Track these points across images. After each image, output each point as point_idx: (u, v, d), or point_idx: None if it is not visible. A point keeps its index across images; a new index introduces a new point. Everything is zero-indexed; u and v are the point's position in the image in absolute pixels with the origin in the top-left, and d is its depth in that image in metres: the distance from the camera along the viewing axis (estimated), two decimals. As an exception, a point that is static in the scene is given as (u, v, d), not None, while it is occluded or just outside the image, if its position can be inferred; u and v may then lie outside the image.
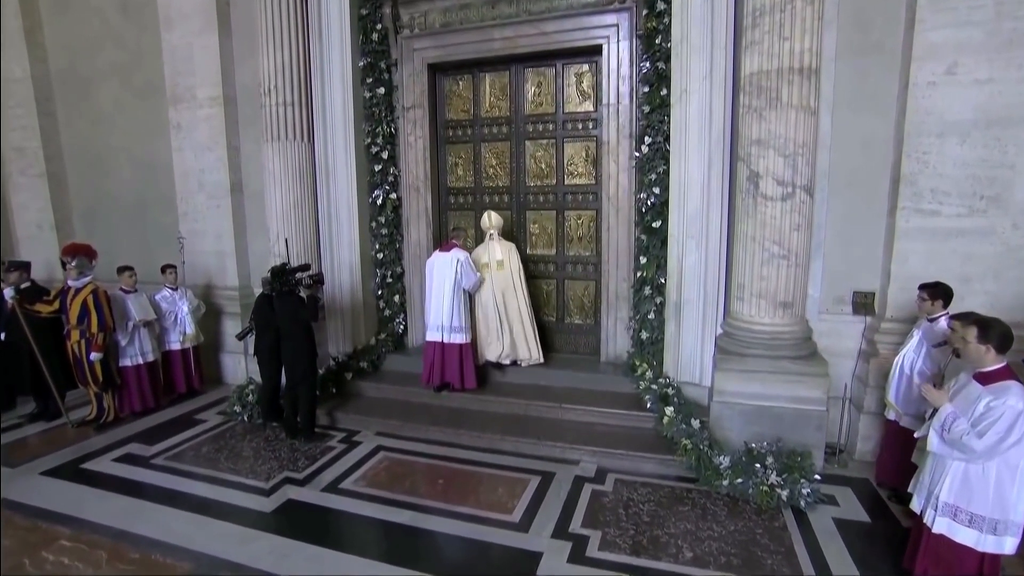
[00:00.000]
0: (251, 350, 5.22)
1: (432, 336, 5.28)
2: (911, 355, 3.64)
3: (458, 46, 5.46)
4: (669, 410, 4.45)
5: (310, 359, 4.88)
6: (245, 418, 5.31)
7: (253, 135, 6.01)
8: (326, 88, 5.58)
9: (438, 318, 5.22)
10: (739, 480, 3.85)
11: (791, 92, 3.95)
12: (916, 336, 3.66)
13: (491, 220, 5.41)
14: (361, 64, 5.60)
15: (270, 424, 5.14)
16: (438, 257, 5.23)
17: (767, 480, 3.78)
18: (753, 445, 4.04)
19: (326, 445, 4.82)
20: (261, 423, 5.22)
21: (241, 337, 5.07)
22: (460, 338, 5.21)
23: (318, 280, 4.84)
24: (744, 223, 4.25)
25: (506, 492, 3.98)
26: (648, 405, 4.66)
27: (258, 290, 5.26)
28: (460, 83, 5.84)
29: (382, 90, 5.67)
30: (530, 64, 5.52)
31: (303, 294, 4.85)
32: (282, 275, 4.73)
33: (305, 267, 4.93)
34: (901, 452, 3.61)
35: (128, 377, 5.31)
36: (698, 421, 4.32)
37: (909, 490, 2.96)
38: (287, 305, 4.78)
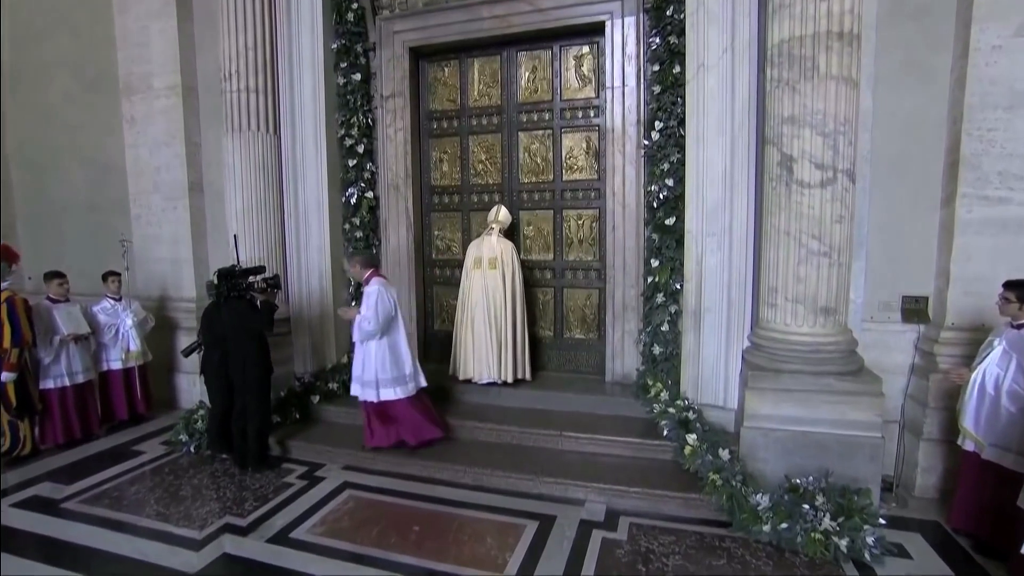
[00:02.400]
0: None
1: (361, 392, 4.22)
2: (994, 370, 2.97)
3: (443, 27, 4.89)
4: (691, 438, 3.74)
5: (262, 374, 4.15)
6: (192, 449, 4.53)
7: (216, 129, 5.35)
8: (295, 74, 4.98)
9: (367, 370, 4.18)
10: (784, 525, 3.12)
11: (829, 60, 3.38)
12: (999, 347, 2.99)
13: (498, 214, 4.80)
14: (334, 47, 5.01)
15: (219, 456, 4.35)
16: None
17: (819, 525, 3.05)
18: (797, 480, 3.32)
19: (282, 481, 4.05)
20: (209, 454, 4.43)
21: (188, 353, 4.33)
22: (400, 391, 4.20)
23: (274, 284, 4.13)
24: (775, 216, 3.63)
25: (496, 542, 3.22)
26: (665, 432, 3.95)
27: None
28: (445, 69, 5.26)
29: (358, 76, 5.07)
30: (524, 47, 4.95)
31: (256, 300, 4.14)
32: (231, 278, 4.03)
33: (259, 269, 4.23)
34: (985, 491, 2.93)
35: (51, 402, 4.52)
36: (727, 451, 3.61)
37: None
38: (236, 312, 4.07)
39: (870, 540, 2.94)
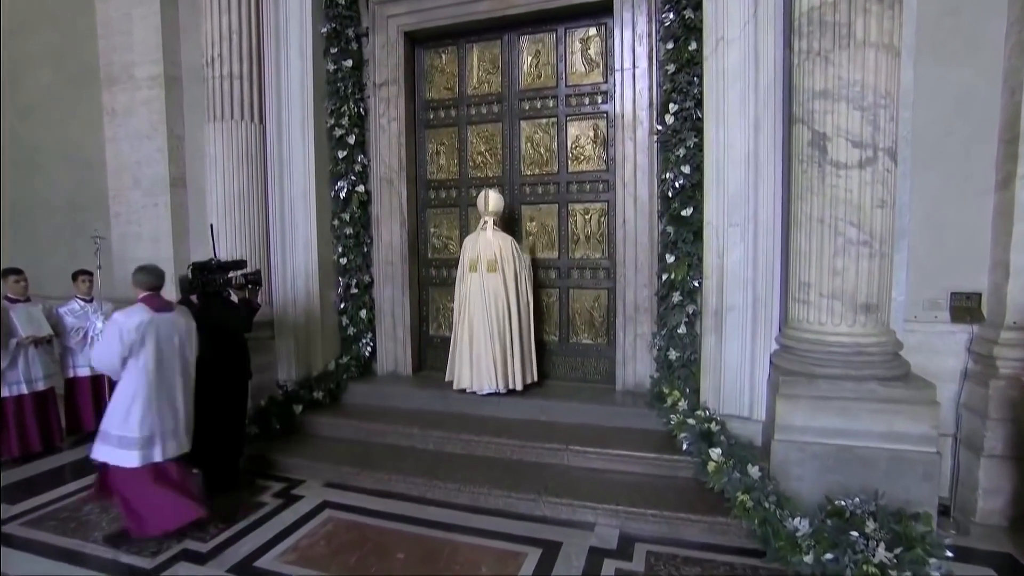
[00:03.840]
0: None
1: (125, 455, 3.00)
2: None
3: (440, 10, 4.57)
4: (715, 453, 3.30)
5: (239, 380, 3.75)
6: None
7: (200, 122, 5.03)
8: (282, 59, 4.66)
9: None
10: (828, 555, 2.66)
11: (868, 25, 3.02)
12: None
13: (487, 202, 4.36)
14: (324, 31, 4.70)
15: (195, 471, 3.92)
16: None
17: (872, 556, 2.59)
18: (842, 502, 2.86)
19: (254, 500, 3.62)
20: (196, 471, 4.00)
21: None
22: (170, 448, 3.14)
23: (254, 281, 3.75)
24: (807, 201, 3.25)
25: (493, 572, 2.78)
26: (684, 446, 3.51)
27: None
28: (443, 55, 4.93)
29: (349, 63, 4.74)
30: (526, 30, 4.62)
31: (234, 297, 3.75)
32: (207, 272, 3.65)
33: (238, 264, 3.85)
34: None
35: (7, 411, 4.12)
36: (757, 468, 3.16)
37: None
38: (212, 311, 3.68)
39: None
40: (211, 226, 3.97)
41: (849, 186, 3.11)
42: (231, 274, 3.74)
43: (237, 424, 3.79)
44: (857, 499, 2.86)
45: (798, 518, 2.84)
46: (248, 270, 3.80)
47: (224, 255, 4.60)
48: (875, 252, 3.13)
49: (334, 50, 4.73)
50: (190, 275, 3.60)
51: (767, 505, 2.95)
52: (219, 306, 3.69)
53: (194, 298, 3.65)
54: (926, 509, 2.77)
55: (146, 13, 5.11)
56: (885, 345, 3.18)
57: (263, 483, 3.88)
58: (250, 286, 3.76)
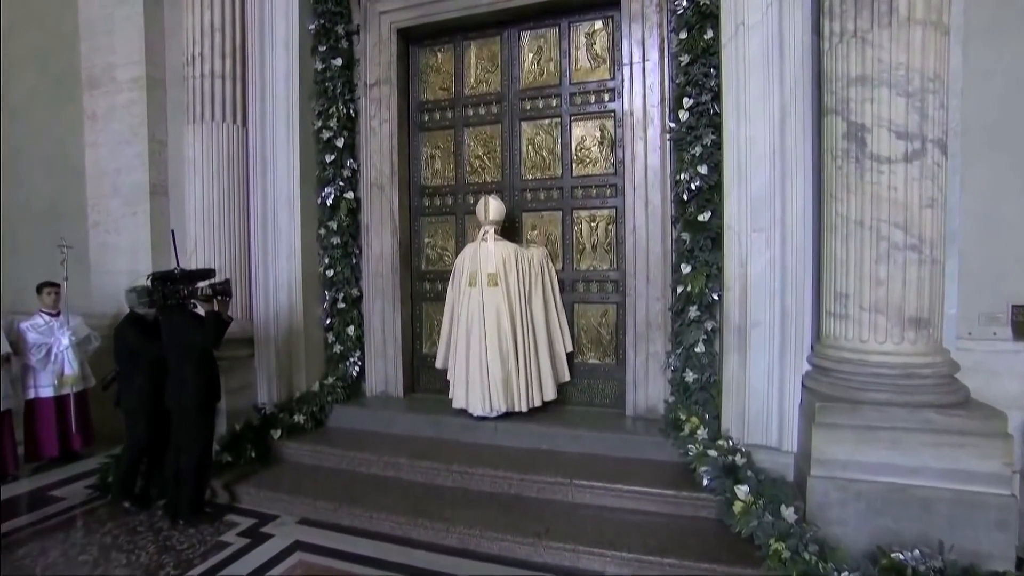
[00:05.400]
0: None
1: None
2: None
3: (435, 4, 4.27)
4: (742, 491, 2.85)
5: (203, 402, 3.36)
6: (119, 495, 3.71)
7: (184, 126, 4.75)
8: (266, 57, 4.37)
9: None
10: (887, 622, 2.20)
11: (913, 0, 2.66)
12: None
13: (487, 209, 4.01)
14: (312, 28, 4.42)
15: (123, 505, 3.55)
16: None
17: (943, 626, 2.13)
18: (899, 555, 2.41)
19: (218, 540, 3.21)
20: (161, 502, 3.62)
21: (107, 386, 3.58)
22: None
23: (222, 291, 3.38)
24: (843, 201, 2.87)
25: (480, 637, 2.33)
26: (705, 482, 3.06)
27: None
28: (439, 54, 4.63)
29: (339, 61, 4.45)
30: (527, 24, 4.31)
31: (200, 310, 3.39)
32: (169, 283, 3.29)
33: (206, 273, 3.49)
34: None
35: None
36: (791, 509, 2.71)
37: None
38: (174, 325, 3.33)
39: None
40: (172, 232, 3.63)
41: (893, 183, 2.72)
42: (198, 285, 3.38)
43: (203, 452, 3.40)
44: (917, 551, 2.40)
45: (846, 573, 2.38)
46: (216, 280, 3.44)
47: (201, 264, 4.28)
48: (925, 258, 2.73)
49: (323, 48, 4.44)
50: (149, 286, 3.24)
51: (807, 556, 2.50)
52: (183, 320, 3.33)
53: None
54: (1007, 568, 2.30)
55: (129, 13, 4.87)
56: (939, 366, 2.75)
57: (231, 518, 3.47)
58: (219, 297, 3.39)
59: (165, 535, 3.25)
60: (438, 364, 4.26)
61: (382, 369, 4.63)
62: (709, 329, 3.53)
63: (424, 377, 4.75)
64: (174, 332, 3.34)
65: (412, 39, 4.60)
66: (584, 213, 4.24)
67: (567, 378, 4.15)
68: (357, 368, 4.62)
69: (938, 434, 2.61)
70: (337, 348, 4.59)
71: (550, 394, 4.04)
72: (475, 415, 3.97)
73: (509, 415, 3.94)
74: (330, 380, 4.51)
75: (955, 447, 2.57)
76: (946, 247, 2.86)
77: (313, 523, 3.40)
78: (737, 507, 2.82)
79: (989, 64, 2.97)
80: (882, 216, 2.74)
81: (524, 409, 3.93)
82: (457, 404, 4.03)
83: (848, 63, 2.82)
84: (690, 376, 3.57)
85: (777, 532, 2.62)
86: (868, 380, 2.77)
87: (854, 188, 2.82)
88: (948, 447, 2.59)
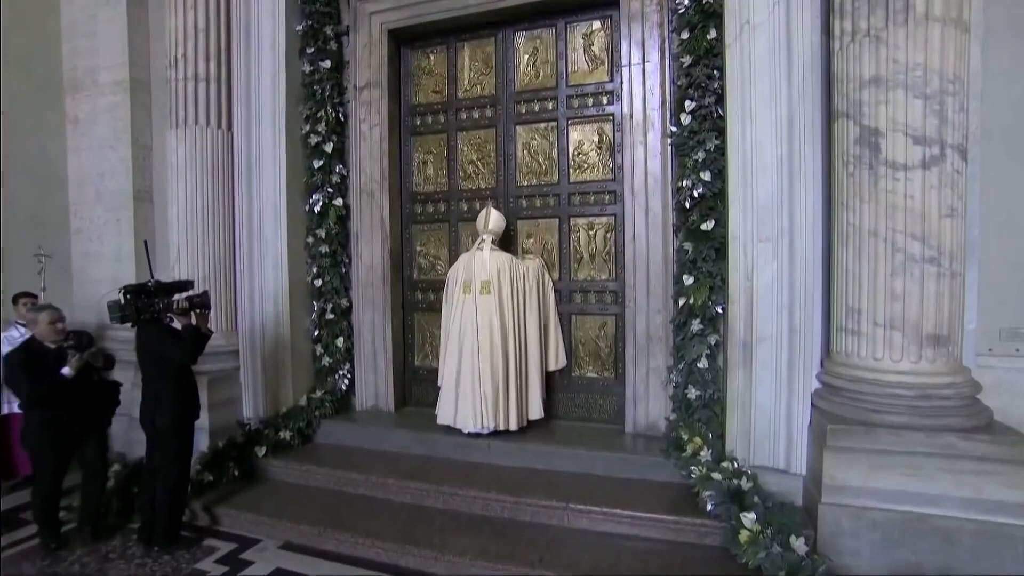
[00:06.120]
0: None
1: None
2: None
3: (427, 4, 4.12)
4: (748, 519, 2.68)
5: (180, 421, 3.20)
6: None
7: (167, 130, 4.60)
8: (252, 59, 4.21)
9: None
10: (909, 670, 2.02)
11: (931, -3, 2.50)
12: None
13: (488, 219, 3.88)
14: (300, 29, 4.26)
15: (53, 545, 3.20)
16: None
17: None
18: (920, 594, 2.23)
19: (193, 568, 3.03)
20: (111, 524, 3.44)
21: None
22: None
23: (200, 304, 3.21)
24: (855, 211, 2.72)
25: None
26: (708, 507, 2.88)
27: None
28: (431, 56, 4.47)
29: (327, 64, 4.29)
30: (522, 25, 4.15)
31: (177, 324, 3.22)
32: (144, 296, 3.12)
33: (183, 285, 3.33)
34: None
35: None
36: (802, 540, 2.54)
37: None
38: (150, 341, 3.16)
39: None
40: (145, 243, 3.46)
41: (910, 191, 2.56)
42: (174, 297, 3.21)
43: (179, 474, 3.22)
44: (939, 589, 2.23)
45: (862, 612, 2.21)
46: (194, 292, 3.27)
47: (184, 274, 4.14)
48: (944, 271, 2.57)
49: (310, 50, 4.28)
50: (122, 300, 3.07)
51: (820, 593, 2.32)
52: (158, 335, 3.16)
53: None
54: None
55: (112, 15, 4.71)
56: (960, 386, 2.58)
57: (210, 543, 3.30)
58: (197, 310, 3.22)
59: (139, 563, 3.07)
60: (440, 382, 4.07)
61: (372, 382, 4.46)
62: (712, 343, 3.37)
63: (416, 390, 4.58)
64: (148, 348, 3.17)
65: (403, 40, 4.44)
66: (582, 221, 4.07)
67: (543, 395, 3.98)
68: (346, 381, 4.45)
69: (960, 460, 2.44)
70: (326, 361, 4.42)
71: (536, 413, 3.88)
72: (466, 432, 3.80)
73: (502, 432, 3.77)
74: (318, 394, 4.34)
75: (978, 475, 2.41)
76: (966, 258, 2.70)
77: (296, 548, 3.23)
78: (743, 536, 2.64)
79: (1010, 63, 2.81)
80: (898, 226, 2.59)
81: (514, 428, 3.76)
82: (443, 420, 3.86)
83: (861, 64, 2.67)
84: (693, 393, 3.39)
85: (787, 566, 2.44)
86: (883, 401, 2.61)
87: (867, 196, 2.66)
88: (971, 474, 2.42)
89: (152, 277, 3.21)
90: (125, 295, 3.10)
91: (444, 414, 3.88)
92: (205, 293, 3.30)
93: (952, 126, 2.52)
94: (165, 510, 3.16)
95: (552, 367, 4.01)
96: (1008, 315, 2.88)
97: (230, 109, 4.26)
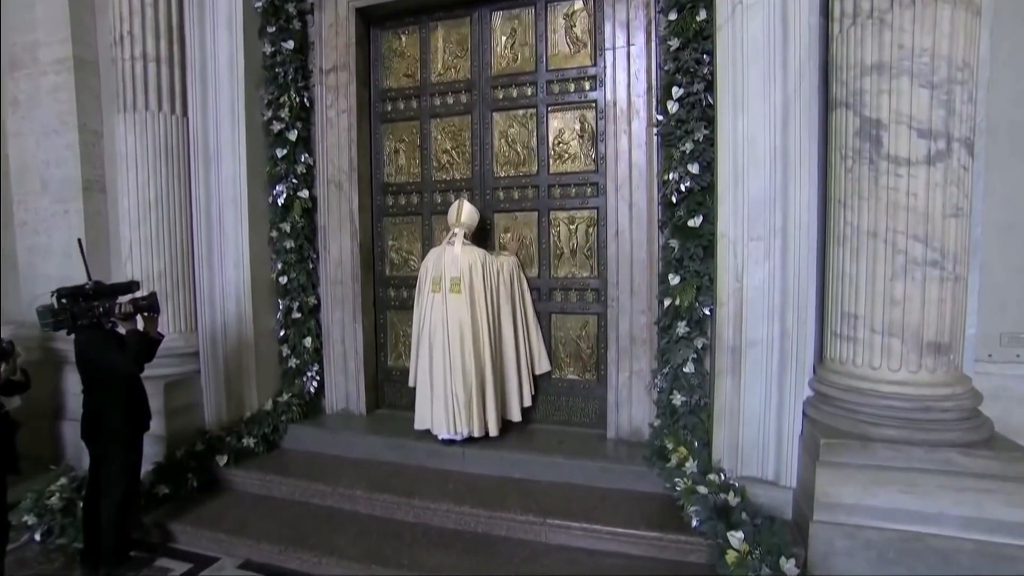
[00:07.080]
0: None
1: None
2: None
3: (397, -20, 3.82)
4: (735, 538, 2.52)
5: (126, 435, 2.94)
6: (38, 536, 3.29)
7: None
8: (207, 38, 3.88)
9: None
10: None
11: (939, -24, 2.29)
12: None
13: (460, 212, 3.65)
14: (259, 5, 3.92)
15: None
16: None
17: None
18: (918, 623, 2.09)
19: (143, 592, 2.80)
20: (63, 543, 3.20)
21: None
22: None
23: (148, 307, 2.95)
24: (854, 209, 2.53)
25: None
26: (694, 523, 2.72)
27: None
28: (403, 37, 4.17)
29: (290, 44, 3.97)
30: (499, 5, 3.87)
31: (121, 328, 2.95)
32: (81, 299, 2.84)
33: (128, 286, 3.05)
34: None
35: None
36: (792, 562, 2.39)
37: None
38: (91, 348, 2.89)
39: None
40: (79, 241, 3.16)
41: (913, 189, 2.38)
42: (118, 300, 2.93)
43: (127, 491, 2.97)
44: (938, 618, 2.09)
45: (857, 643, 2.07)
46: (140, 294, 3.00)
47: (138, 272, 3.85)
48: (947, 275, 2.40)
49: (272, 29, 3.95)
50: (55, 304, 2.78)
51: (811, 620, 2.17)
52: (100, 342, 2.88)
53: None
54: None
55: (52, -15, 4.32)
56: (961, 398, 2.43)
57: (162, 563, 3.09)
58: (144, 314, 2.95)
59: (83, 586, 2.85)
60: (411, 382, 3.86)
61: (343, 384, 4.22)
62: (699, 347, 3.19)
63: (389, 392, 4.36)
64: (88, 356, 2.90)
65: (373, 20, 4.13)
66: (562, 214, 3.84)
67: (529, 402, 3.78)
68: (315, 383, 4.21)
69: (960, 477, 2.30)
70: (293, 362, 4.16)
71: (515, 416, 3.71)
72: (441, 438, 3.60)
73: (479, 438, 3.58)
74: (285, 397, 4.10)
75: (979, 492, 2.27)
76: (969, 261, 2.54)
77: (256, 567, 3.03)
78: (730, 556, 2.49)
79: (1018, 50, 2.61)
80: (899, 227, 2.41)
81: (493, 433, 3.58)
82: (420, 425, 3.66)
83: (862, 49, 2.46)
84: (678, 399, 3.22)
85: (776, 589, 2.30)
86: (880, 413, 2.45)
87: (867, 194, 2.47)
88: (971, 492, 2.29)
89: (89, 278, 2.92)
90: (59, 299, 2.80)
91: (421, 418, 3.68)
92: (153, 295, 3.03)
93: (960, 118, 2.34)
94: (111, 528, 2.91)
95: (537, 371, 3.83)
96: (1010, 320, 2.74)
97: (184, 93, 3.93)
